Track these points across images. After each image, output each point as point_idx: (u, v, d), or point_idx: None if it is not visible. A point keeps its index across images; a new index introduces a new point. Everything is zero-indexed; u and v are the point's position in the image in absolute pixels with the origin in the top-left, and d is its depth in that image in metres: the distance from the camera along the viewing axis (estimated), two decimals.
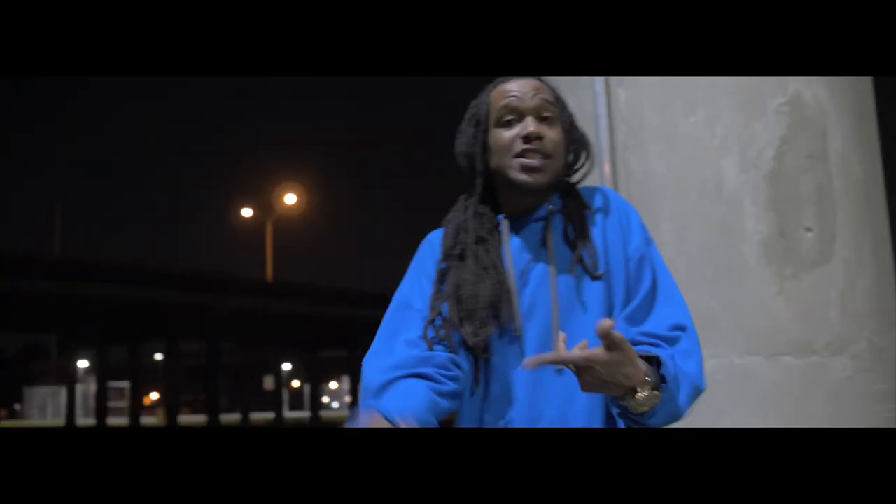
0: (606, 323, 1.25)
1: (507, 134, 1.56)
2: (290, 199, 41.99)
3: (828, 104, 2.51)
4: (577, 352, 1.29)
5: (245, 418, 42.93)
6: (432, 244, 1.66)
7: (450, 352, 1.52)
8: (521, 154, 1.54)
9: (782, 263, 2.39)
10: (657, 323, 1.48)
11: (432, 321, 1.55)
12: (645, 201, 2.50)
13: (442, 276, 1.59)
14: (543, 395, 1.49)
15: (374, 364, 1.54)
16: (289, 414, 53.37)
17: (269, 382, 52.76)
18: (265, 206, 42.40)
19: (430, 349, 1.53)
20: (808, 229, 2.42)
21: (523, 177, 1.54)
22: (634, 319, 1.49)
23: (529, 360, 1.34)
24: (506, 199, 1.62)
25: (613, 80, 2.66)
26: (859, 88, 2.64)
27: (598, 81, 2.65)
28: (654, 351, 1.39)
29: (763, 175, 2.45)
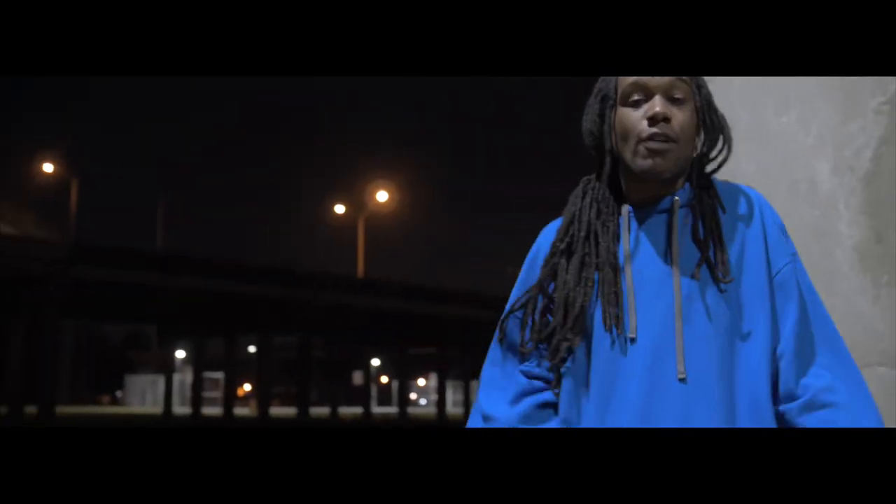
0: None
1: (634, 114, 1.42)
2: (382, 196, 42.57)
3: None
4: None
5: (334, 412, 43.74)
6: (549, 236, 1.55)
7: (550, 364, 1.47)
8: (646, 138, 1.40)
9: (877, 270, 2.29)
10: (820, 374, 1.40)
11: (536, 337, 1.47)
12: None
13: (548, 275, 1.48)
14: (661, 403, 1.36)
15: (492, 391, 1.53)
16: (377, 409, 54.11)
17: (358, 377, 53.62)
18: (358, 203, 43.13)
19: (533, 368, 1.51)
20: None
21: (644, 162, 1.40)
22: (793, 360, 1.41)
23: None
24: (629, 187, 1.47)
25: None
26: None
27: None
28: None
29: (859, 177, 2.35)
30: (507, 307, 1.55)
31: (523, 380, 1.52)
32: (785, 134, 2.42)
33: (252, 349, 49.45)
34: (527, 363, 1.54)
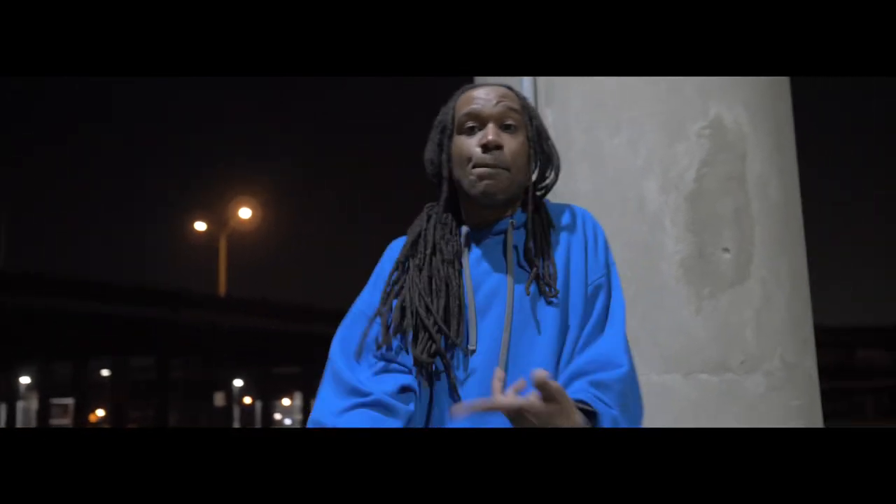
0: (542, 373, 1.22)
1: (468, 141, 1.52)
2: (245, 213, 41.65)
3: (748, 128, 2.58)
4: (510, 398, 1.25)
5: None
6: (394, 252, 1.61)
7: (403, 367, 1.48)
8: (479, 164, 1.49)
9: (700, 283, 2.45)
10: (597, 358, 1.44)
11: (386, 332, 1.49)
12: None
13: (395, 285, 1.55)
14: (491, 415, 1.39)
15: (331, 386, 1.51)
16: None
17: (220, 399, 52.02)
18: (219, 220, 42.00)
19: (383, 360, 1.49)
20: (726, 250, 2.48)
21: (478, 188, 1.49)
22: (579, 349, 1.47)
23: (458, 407, 1.31)
24: (467, 210, 1.57)
25: (542, 99, 2.71)
26: (779, 111, 2.72)
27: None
28: (595, 405, 1.36)
29: (684, 196, 2.51)
30: (359, 308, 1.58)
31: (380, 362, 1.53)
32: (616, 155, 2.55)
33: (105, 372, 47.12)
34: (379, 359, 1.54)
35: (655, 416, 2.41)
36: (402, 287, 1.54)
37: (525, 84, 2.68)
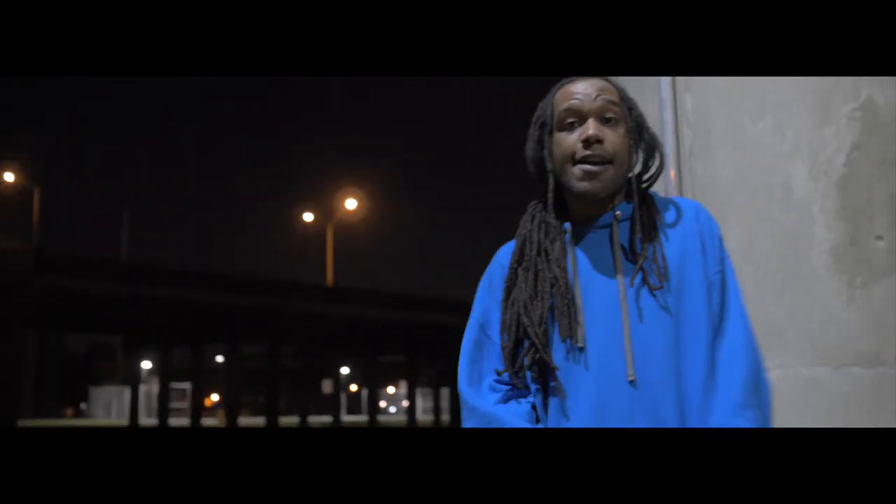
0: None
1: (569, 138, 1.51)
2: (351, 203, 42.43)
3: None
4: None
5: (304, 421, 43.41)
6: (501, 257, 1.63)
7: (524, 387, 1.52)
8: (581, 160, 1.49)
9: (852, 272, 2.34)
10: (728, 382, 1.43)
11: (510, 359, 1.52)
12: (712, 208, 2.46)
13: (508, 294, 1.56)
14: (611, 407, 1.43)
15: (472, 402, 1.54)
16: (346, 417, 53.80)
17: (327, 386, 53.28)
18: (326, 210, 42.93)
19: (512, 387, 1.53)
20: (880, 238, 2.36)
21: (582, 184, 1.49)
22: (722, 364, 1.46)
23: None
24: (572, 206, 1.57)
25: (680, 85, 2.64)
26: None
27: (665, 87, 2.63)
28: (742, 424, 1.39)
29: (833, 182, 2.40)
30: (474, 322, 1.62)
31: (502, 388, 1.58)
32: (761, 139, 2.47)
33: (220, 359, 48.97)
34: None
35: (804, 410, 2.32)
36: (512, 298, 1.55)
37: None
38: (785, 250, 2.39)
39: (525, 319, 1.50)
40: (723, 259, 1.53)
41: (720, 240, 1.55)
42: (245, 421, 44.09)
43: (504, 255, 1.63)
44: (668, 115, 2.61)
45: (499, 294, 1.58)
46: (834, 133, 2.42)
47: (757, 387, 1.44)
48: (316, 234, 43.08)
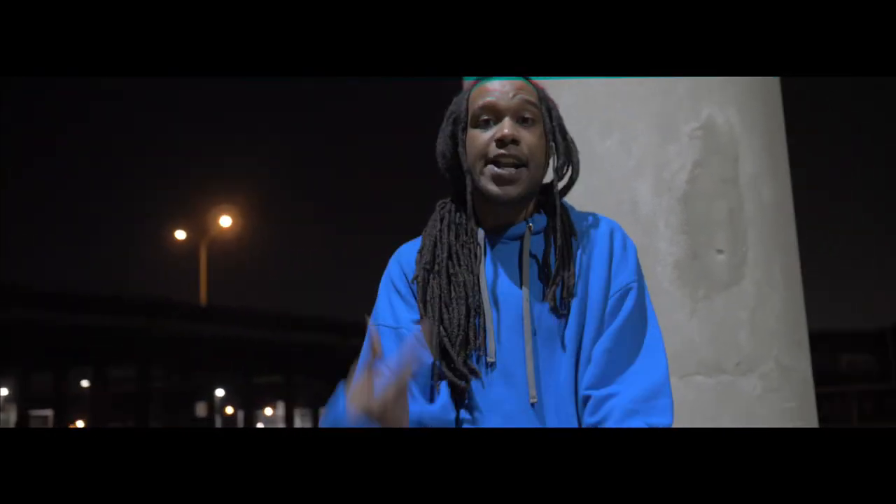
0: None
1: (483, 136, 1.43)
2: (226, 221, 41.40)
3: (739, 129, 2.57)
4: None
5: None
6: (400, 261, 1.53)
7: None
8: (494, 160, 1.42)
9: (694, 285, 2.44)
10: (645, 395, 1.42)
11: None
12: None
13: (421, 295, 1.46)
14: (518, 425, 1.40)
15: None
16: None
17: (202, 409, 51.67)
18: (199, 228, 41.72)
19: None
20: (720, 251, 2.47)
21: (493, 187, 1.42)
22: (607, 358, 1.42)
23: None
24: (482, 209, 1.48)
25: None
26: (770, 112, 2.72)
27: None
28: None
29: (677, 198, 2.49)
30: (378, 320, 1.52)
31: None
32: (609, 157, 2.53)
33: (85, 383, 46.66)
34: None
35: None
36: (428, 297, 1.47)
37: None
38: None
39: (441, 330, 1.42)
40: (632, 281, 1.48)
41: (635, 261, 1.50)
42: None
43: (406, 254, 1.54)
44: None
45: (409, 296, 1.49)
46: (677, 151, 2.52)
47: (655, 397, 1.43)
48: (189, 252, 41.78)
